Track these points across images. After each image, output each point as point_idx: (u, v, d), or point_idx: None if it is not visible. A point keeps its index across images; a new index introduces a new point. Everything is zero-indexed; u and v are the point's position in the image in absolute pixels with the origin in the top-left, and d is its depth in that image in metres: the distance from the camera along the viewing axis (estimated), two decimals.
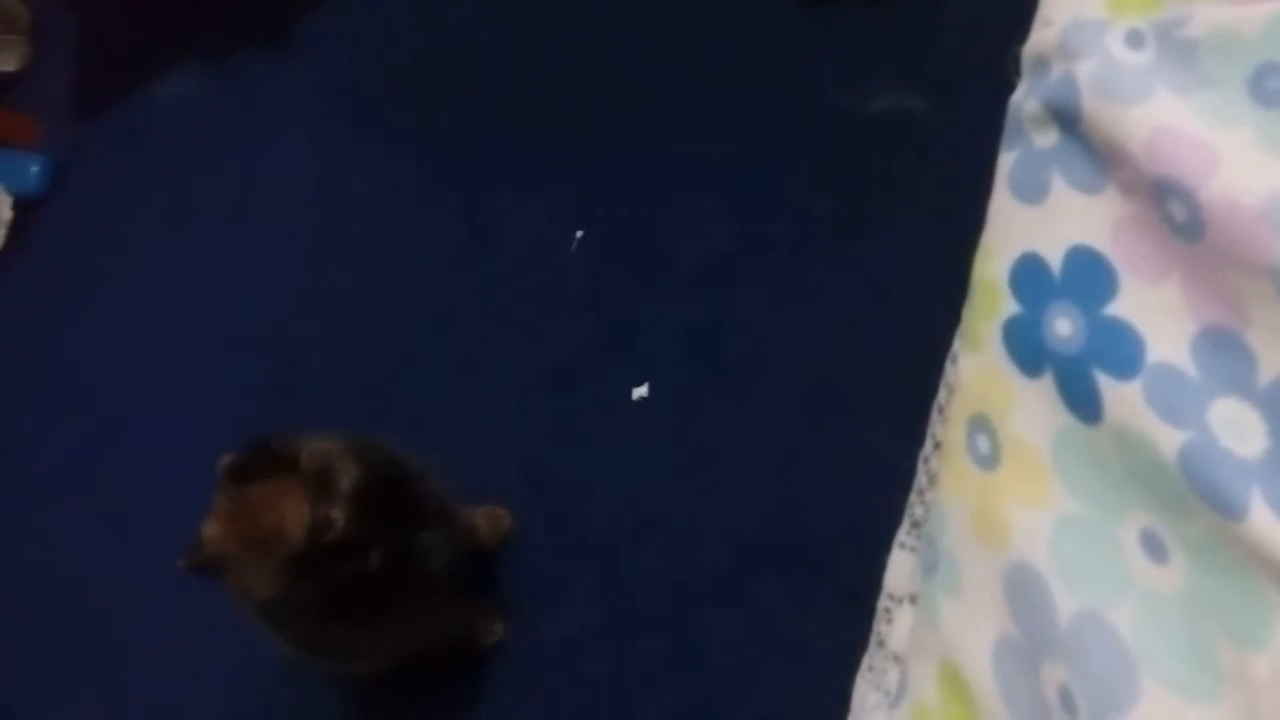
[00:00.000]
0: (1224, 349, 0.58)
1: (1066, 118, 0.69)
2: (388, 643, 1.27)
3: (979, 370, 0.71)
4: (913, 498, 0.84)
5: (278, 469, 1.08)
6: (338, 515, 1.06)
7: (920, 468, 0.84)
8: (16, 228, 2.21)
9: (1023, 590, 0.63)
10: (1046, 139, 0.71)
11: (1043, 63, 0.74)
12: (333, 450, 1.13)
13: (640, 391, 1.54)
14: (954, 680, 0.65)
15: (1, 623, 1.77)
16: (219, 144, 2.13)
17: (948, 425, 0.74)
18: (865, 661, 0.82)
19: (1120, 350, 0.62)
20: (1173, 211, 0.61)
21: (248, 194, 2.04)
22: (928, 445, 0.83)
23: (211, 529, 1.05)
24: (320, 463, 1.10)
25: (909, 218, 1.52)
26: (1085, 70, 0.68)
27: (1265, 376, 0.56)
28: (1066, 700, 0.58)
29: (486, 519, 1.47)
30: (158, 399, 1.89)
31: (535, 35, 1.91)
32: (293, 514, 1.04)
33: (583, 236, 1.69)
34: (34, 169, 2.21)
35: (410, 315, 1.77)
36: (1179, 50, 0.65)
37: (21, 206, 2.21)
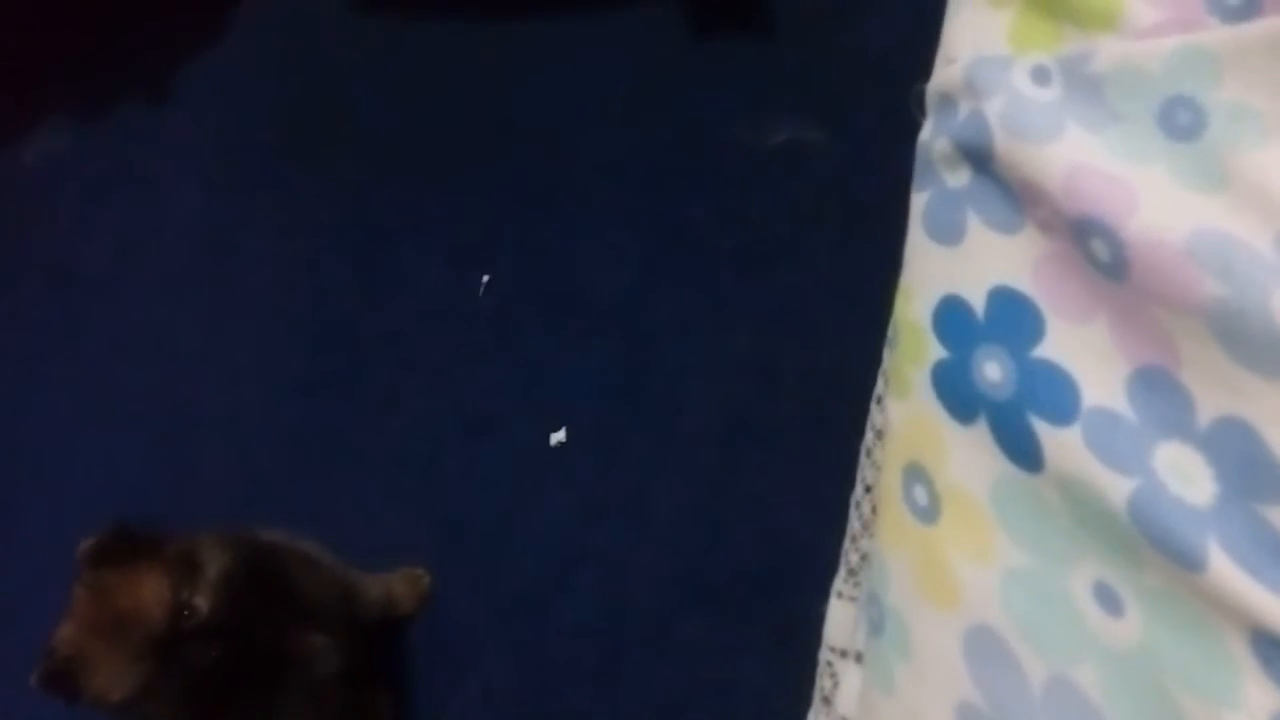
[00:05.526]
0: (1159, 390, 0.57)
1: (978, 156, 0.68)
2: None
3: (909, 417, 0.69)
4: (847, 544, 0.82)
5: (141, 555, 1.03)
6: (201, 601, 1.01)
7: (852, 512, 0.82)
8: None
9: (985, 655, 0.60)
10: (958, 178, 0.70)
11: (949, 101, 0.73)
12: (203, 540, 1.08)
13: (558, 436, 1.51)
14: None
15: None
16: (96, 204, 2.03)
17: (882, 473, 0.72)
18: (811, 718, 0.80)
19: (1054, 394, 0.60)
20: (1095, 250, 0.60)
21: (130, 255, 1.95)
22: (858, 489, 0.82)
23: (65, 627, 0.99)
24: (186, 548, 1.05)
25: (813, 247, 1.54)
26: (994, 108, 0.67)
27: (1204, 418, 0.55)
28: None
29: (404, 582, 1.42)
30: (38, 477, 1.79)
31: (425, 81, 1.87)
32: (153, 597, 0.99)
33: (489, 280, 1.65)
34: None
35: (312, 372, 1.70)
36: (1086, 86, 0.65)
37: None
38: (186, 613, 1.01)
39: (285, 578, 1.17)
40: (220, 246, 1.88)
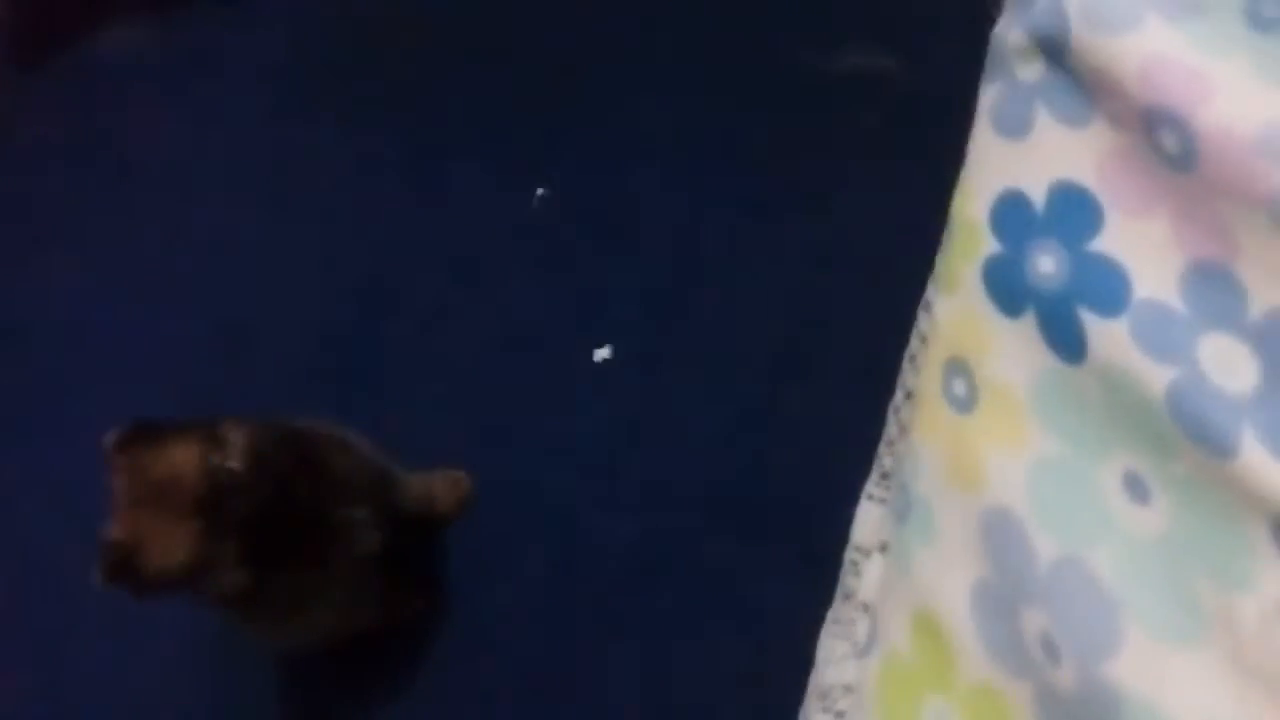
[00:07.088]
0: (1213, 283, 0.56)
1: (1053, 48, 0.67)
2: (314, 621, 1.22)
3: (957, 312, 0.69)
4: (881, 449, 0.82)
5: (167, 435, 1.05)
6: (234, 463, 1.04)
7: (890, 418, 0.81)
8: None
9: (1000, 534, 0.60)
10: (1031, 71, 0.69)
11: None
12: (225, 421, 1.10)
13: (602, 353, 1.51)
14: (928, 626, 0.63)
15: None
16: (164, 98, 2.06)
17: (922, 371, 0.71)
18: (831, 615, 0.80)
19: (1105, 287, 0.60)
20: (1164, 141, 0.59)
21: (194, 153, 1.97)
22: (898, 395, 0.81)
23: (112, 520, 1.01)
24: (209, 426, 1.08)
25: (875, 179, 1.50)
26: None
27: (1256, 310, 0.54)
28: (1048, 647, 0.56)
29: (444, 484, 1.43)
30: (100, 364, 1.83)
31: None
32: (186, 462, 1.02)
33: (542, 195, 1.65)
34: None
35: (363, 279, 1.71)
36: None
37: None
38: (222, 473, 1.03)
39: (318, 456, 1.18)
40: (277, 152, 1.89)
